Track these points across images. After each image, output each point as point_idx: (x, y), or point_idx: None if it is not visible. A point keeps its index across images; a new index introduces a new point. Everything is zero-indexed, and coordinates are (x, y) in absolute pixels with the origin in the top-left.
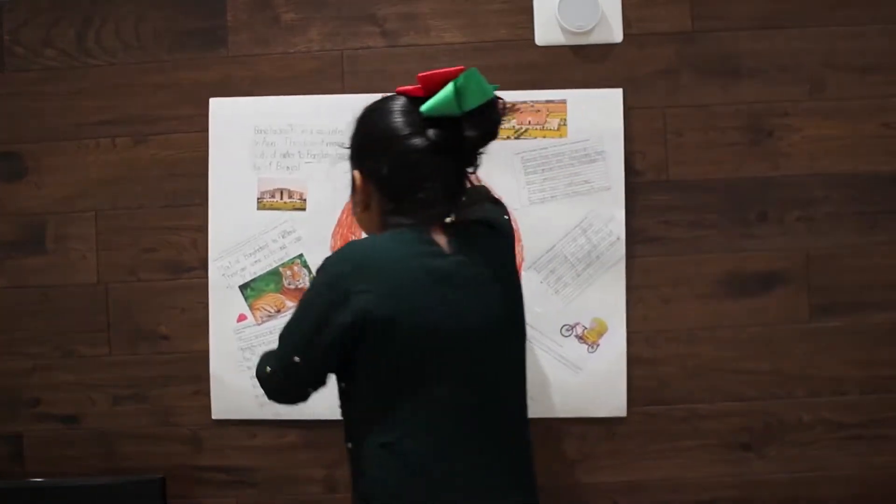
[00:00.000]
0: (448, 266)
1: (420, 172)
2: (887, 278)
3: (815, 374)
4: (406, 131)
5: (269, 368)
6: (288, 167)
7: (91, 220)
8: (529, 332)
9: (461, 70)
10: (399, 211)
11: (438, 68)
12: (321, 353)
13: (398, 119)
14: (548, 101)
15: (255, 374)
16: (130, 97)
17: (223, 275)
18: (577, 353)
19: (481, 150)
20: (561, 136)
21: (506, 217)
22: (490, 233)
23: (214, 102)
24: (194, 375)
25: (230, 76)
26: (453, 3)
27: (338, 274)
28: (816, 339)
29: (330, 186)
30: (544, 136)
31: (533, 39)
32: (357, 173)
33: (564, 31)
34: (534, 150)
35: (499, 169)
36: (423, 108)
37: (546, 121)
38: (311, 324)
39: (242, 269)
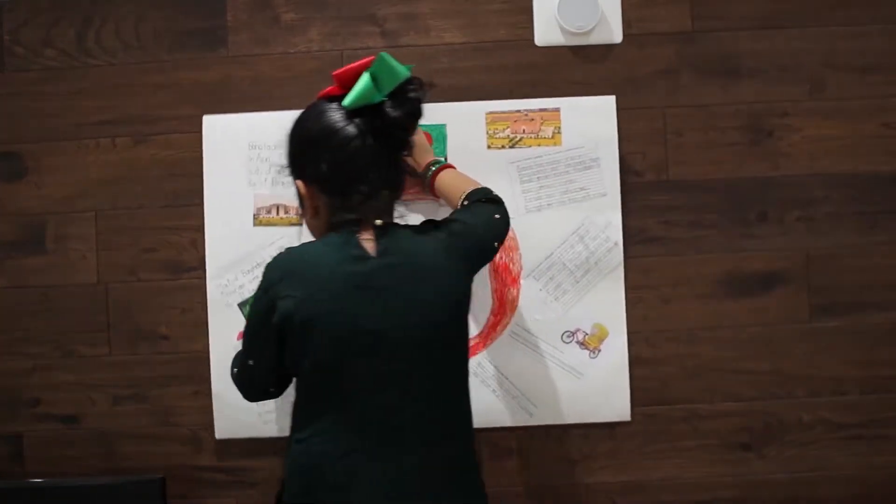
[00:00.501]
0: (368, 270)
1: (357, 163)
2: (887, 278)
3: (815, 375)
4: (336, 126)
5: (234, 370)
6: (283, 182)
7: (91, 220)
8: (531, 339)
9: (372, 60)
10: (345, 207)
11: (438, 68)
12: (266, 356)
13: (326, 118)
14: (541, 110)
15: None
16: (130, 97)
17: (222, 293)
18: (579, 360)
19: (408, 129)
20: (555, 144)
21: (496, 217)
22: (430, 233)
23: (207, 120)
24: (194, 375)
25: (230, 76)
26: (453, 4)
27: (269, 280)
28: (816, 339)
29: None
30: (539, 145)
31: (533, 40)
32: (299, 183)
33: (564, 31)
34: (528, 159)
35: (494, 178)
36: (345, 102)
37: (540, 129)
38: (254, 329)
39: (241, 287)
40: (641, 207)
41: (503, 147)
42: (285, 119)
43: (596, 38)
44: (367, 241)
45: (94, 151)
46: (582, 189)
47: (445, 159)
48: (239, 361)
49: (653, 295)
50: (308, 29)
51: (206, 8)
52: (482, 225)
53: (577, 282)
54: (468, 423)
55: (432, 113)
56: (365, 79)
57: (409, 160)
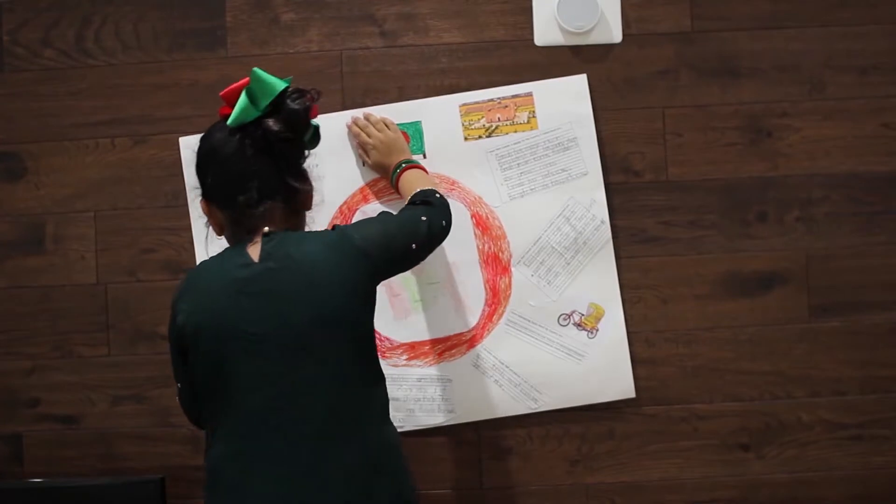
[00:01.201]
0: (249, 275)
1: (234, 176)
2: (887, 278)
3: (814, 375)
4: (217, 144)
5: (177, 397)
6: None
7: (90, 221)
8: (528, 326)
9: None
10: (236, 219)
11: (438, 68)
12: (183, 374)
13: (213, 137)
14: (514, 96)
15: None
16: (129, 98)
17: None
18: (578, 341)
19: (290, 139)
20: (532, 129)
21: (422, 219)
22: (322, 237)
23: (184, 141)
24: None
25: (229, 77)
26: (452, 4)
27: (173, 300)
28: (815, 339)
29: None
30: (515, 131)
31: (532, 40)
32: (202, 203)
33: (564, 31)
34: (507, 146)
35: (474, 169)
36: (228, 121)
37: (515, 115)
38: (171, 351)
39: None
40: (640, 207)
41: (480, 137)
42: None
43: (595, 38)
44: (253, 249)
45: (94, 152)
46: (563, 170)
47: (424, 156)
48: (176, 388)
49: (652, 295)
50: (307, 29)
51: (205, 8)
52: (396, 226)
53: (568, 263)
54: (366, 423)
55: (407, 111)
56: (242, 97)
57: (376, 160)
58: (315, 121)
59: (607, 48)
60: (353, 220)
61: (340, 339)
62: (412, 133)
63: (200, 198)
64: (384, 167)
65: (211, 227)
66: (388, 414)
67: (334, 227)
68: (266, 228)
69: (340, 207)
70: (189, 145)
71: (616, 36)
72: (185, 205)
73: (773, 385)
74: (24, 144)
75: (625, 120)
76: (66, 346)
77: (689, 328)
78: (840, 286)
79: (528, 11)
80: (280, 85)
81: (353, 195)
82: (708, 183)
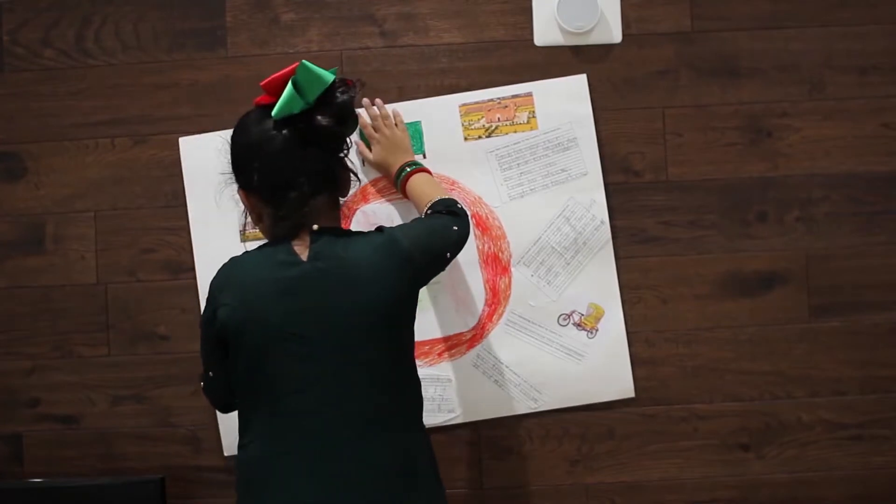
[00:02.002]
0: (296, 275)
1: (285, 171)
2: (886, 278)
3: (814, 375)
4: (264, 137)
5: (202, 384)
6: None
7: (90, 221)
8: (527, 326)
9: (296, 67)
10: (280, 214)
11: (438, 68)
12: (220, 366)
13: (255, 129)
14: (514, 96)
15: None
16: (129, 97)
17: None
18: (578, 341)
19: (338, 133)
20: (532, 129)
21: (453, 228)
22: (370, 238)
23: (184, 142)
24: (194, 376)
25: (229, 77)
26: (452, 4)
27: (211, 291)
28: (815, 339)
29: None
30: (515, 131)
31: (532, 40)
32: (241, 192)
33: (563, 31)
34: (507, 146)
35: (474, 169)
36: (273, 112)
37: (515, 115)
38: (205, 340)
39: None
40: (640, 207)
41: (480, 137)
42: None
43: (595, 38)
44: (300, 247)
45: (94, 152)
46: (563, 170)
47: (424, 156)
48: (202, 375)
49: (652, 295)
50: (307, 29)
51: (205, 8)
52: (434, 233)
53: (568, 264)
54: (405, 428)
55: (407, 111)
56: (289, 88)
57: (379, 156)
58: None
59: (607, 48)
60: (353, 221)
61: (384, 343)
62: (412, 133)
63: (237, 188)
64: (386, 165)
65: (249, 217)
66: (422, 416)
67: (380, 229)
68: (315, 226)
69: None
70: (189, 145)
71: (616, 36)
72: (185, 205)
73: (773, 385)
74: (24, 144)
75: (625, 120)
76: (66, 346)
77: (689, 328)
78: (840, 286)
79: (527, 11)
80: (329, 77)
81: (354, 195)
82: (708, 183)
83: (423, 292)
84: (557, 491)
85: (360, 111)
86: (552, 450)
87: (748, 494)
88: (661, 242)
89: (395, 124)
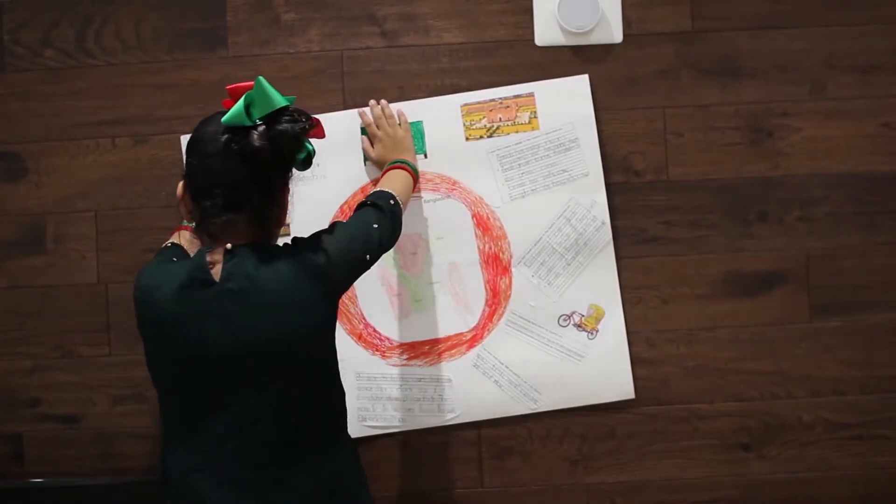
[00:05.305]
0: (209, 296)
1: (211, 177)
2: (887, 278)
3: (815, 375)
4: (206, 136)
5: None
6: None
7: (91, 221)
8: (528, 326)
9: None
10: (202, 220)
11: (438, 68)
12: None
13: (207, 128)
14: (516, 97)
15: None
16: (130, 97)
17: None
18: (578, 342)
19: (274, 160)
20: (533, 129)
21: (374, 226)
22: (283, 256)
23: (185, 140)
24: None
25: (230, 76)
26: (453, 4)
27: (137, 293)
28: (816, 339)
29: (312, 209)
30: (517, 132)
31: (533, 40)
32: (181, 183)
33: (564, 31)
34: (508, 147)
35: (475, 169)
36: (223, 119)
37: (516, 116)
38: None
39: None
40: (641, 207)
41: (481, 137)
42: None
43: (596, 38)
44: (215, 265)
45: (94, 151)
46: (564, 171)
47: (426, 155)
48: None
49: (652, 295)
50: (308, 29)
51: (205, 8)
52: (353, 239)
53: (569, 264)
54: (324, 447)
55: (408, 111)
56: (240, 101)
57: (379, 154)
58: (311, 144)
59: (608, 48)
60: None
61: (301, 363)
62: (414, 133)
63: (182, 179)
64: (385, 163)
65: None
66: (346, 429)
67: (295, 242)
68: (228, 245)
69: (341, 207)
70: None
71: (617, 36)
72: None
73: (773, 385)
74: (24, 144)
75: (625, 120)
76: (66, 345)
77: (689, 328)
78: (841, 286)
79: (528, 11)
80: (280, 102)
81: (354, 195)
82: (709, 183)
83: (424, 292)
84: (558, 491)
85: (364, 109)
86: (553, 449)
87: (749, 494)
88: (661, 242)
89: (399, 124)
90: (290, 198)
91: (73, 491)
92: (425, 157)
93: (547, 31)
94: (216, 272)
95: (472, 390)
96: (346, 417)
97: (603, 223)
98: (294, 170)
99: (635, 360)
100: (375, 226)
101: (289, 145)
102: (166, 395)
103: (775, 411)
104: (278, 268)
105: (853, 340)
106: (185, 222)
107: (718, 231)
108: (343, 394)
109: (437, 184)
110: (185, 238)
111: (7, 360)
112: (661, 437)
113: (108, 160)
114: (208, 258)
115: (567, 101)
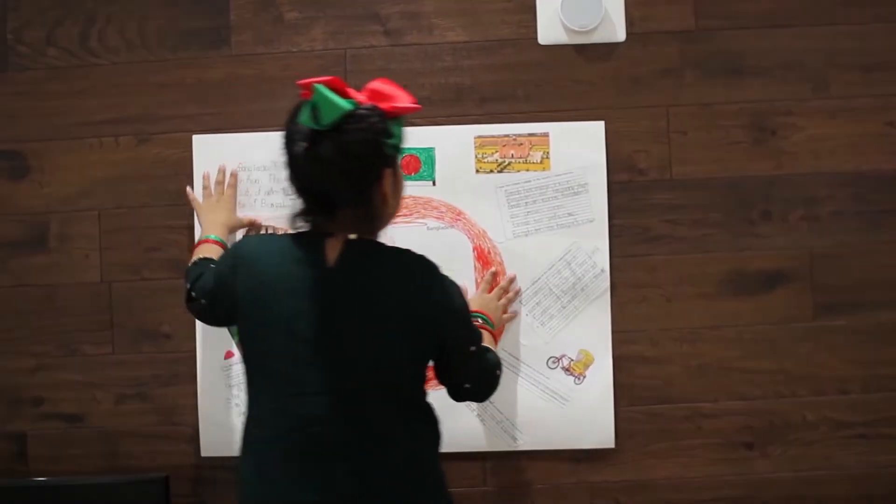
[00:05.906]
0: (320, 278)
1: (297, 179)
2: (891, 277)
3: (818, 374)
4: (290, 137)
5: (186, 300)
6: (272, 204)
7: (94, 219)
8: (516, 364)
9: (328, 80)
10: (304, 210)
11: (442, 67)
12: (212, 311)
13: (292, 126)
14: (530, 135)
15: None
16: (134, 96)
17: None
18: (565, 385)
19: (356, 164)
20: (544, 170)
21: (489, 351)
22: (398, 262)
23: (197, 140)
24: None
25: (233, 75)
26: (456, 2)
27: (231, 262)
28: (820, 338)
29: None
30: (528, 170)
31: (536, 38)
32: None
33: (567, 29)
34: (517, 184)
35: (482, 202)
36: (300, 118)
37: (529, 154)
38: (213, 290)
39: None
40: (645, 206)
41: (492, 171)
42: (274, 139)
43: (599, 37)
44: (333, 250)
45: (98, 150)
46: (570, 214)
47: (434, 183)
48: (189, 293)
49: (656, 294)
50: (311, 28)
51: (209, 7)
52: (472, 327)
53: (564, 307)
54: (407, 444)
55: (421, 136)
56: (307, 108)
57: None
58: (399, 127)
59: (611, 47)
60: None
61: (395, 366)
62: (424, 159)
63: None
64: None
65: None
66: (437, 441)
67: (421, 258)
68: (352, 235)
69: None
70: (202, 144)
71: (620, 35)
72: (190, 203)
73: (777, 384)
74: (28, 143)
75: (629, 118)
76: (70, 344)
77: (693, 327)
78: (844, 285)
79: (531, 10)
80: (343, 107)
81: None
82: (712, 181)
83: None
84: (561, 489)
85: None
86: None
87: (752, 493)
88: (665, 241)
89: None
90: (396, 185)
91: (77, 490)
92: (433, 184)
93: (550, 29)
94: (331, 258)
95: (453, 421)
96: (437, 428)
97: (602, 270)
98: (390, 156)
99: (638, 359)
100: (489, 355)
101: (362, 150)
102: (253, 363)
103: (779, 410)
104: (392, 274)
105: (857, 339)
106: (210, 236)
107: (722, 230)
108: (431, 409)
109: (442, 212)
110: (214, 253)
111: (11, 359)
112: (665, 435)
113: (111, 159)
114: (327, 242)
115: (581, 146)
